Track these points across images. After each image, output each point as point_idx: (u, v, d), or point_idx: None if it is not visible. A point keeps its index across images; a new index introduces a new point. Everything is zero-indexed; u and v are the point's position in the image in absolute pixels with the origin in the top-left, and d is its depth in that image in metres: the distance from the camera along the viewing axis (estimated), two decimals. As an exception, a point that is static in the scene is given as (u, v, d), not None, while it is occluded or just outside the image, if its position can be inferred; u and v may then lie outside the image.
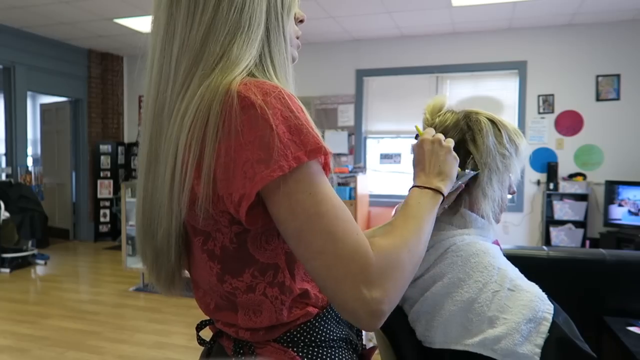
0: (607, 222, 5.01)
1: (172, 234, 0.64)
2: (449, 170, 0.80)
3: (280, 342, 0.65)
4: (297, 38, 0.75)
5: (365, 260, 0.55)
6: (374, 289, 0.55)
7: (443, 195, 0.76)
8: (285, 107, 0.58)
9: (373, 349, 0.78)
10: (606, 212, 5.03)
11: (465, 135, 0.98)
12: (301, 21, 0.75)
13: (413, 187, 0.77)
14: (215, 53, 0.62)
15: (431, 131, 0.87)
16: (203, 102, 0.59)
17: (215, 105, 0.58)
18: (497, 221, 1.00)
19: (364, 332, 0.82)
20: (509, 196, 1.04)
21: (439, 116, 1.02)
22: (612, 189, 5.01)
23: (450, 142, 0.84)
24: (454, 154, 0.83)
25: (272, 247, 0.63)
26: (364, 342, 0.79)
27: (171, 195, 0.61)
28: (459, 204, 0.97)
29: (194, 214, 0.61)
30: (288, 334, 0.65)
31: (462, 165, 0.97)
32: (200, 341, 0.78)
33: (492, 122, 0.99)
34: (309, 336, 0.66)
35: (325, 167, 0.60)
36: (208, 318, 0.77)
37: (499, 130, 0.99)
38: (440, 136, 0.84)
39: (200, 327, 0.78)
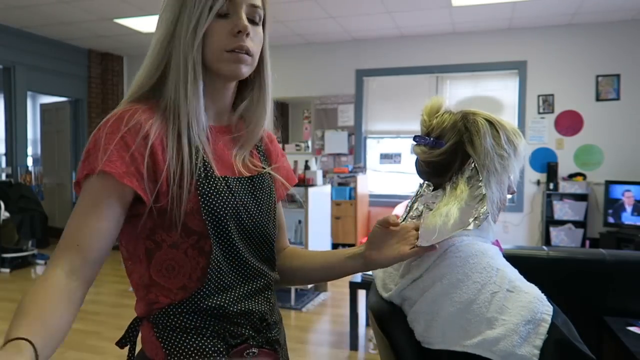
0: (606, 222, 5.01)
1: None
2: None
3: (150, 321, 0.79)
4: (237, 50, 0.77)
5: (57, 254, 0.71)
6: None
7: None
8: (100, 129, 0.75)
9: (245, 347, 0.80)
10: (606, 212, 5.03)
11: (463, 136, 0.98)
12: (239, 32, 0.77)
13: None
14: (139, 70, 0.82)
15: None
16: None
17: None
18: (494, 221, 1.00)
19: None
20: (509, 196, 1.04)
21: (436, 117, 1.02)
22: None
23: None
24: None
25: (135, 241, 0.81)
26: (275, 345, 0.85)
27: None
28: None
29: None
30: (152, 316, 0.78)
31: (461, 168, 0.97)
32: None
33: (490, 122, 0.99)
34: (164, 320, 0.77)
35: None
36: None
37: (497, 131, 0.98)
38: None
39: None
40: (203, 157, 0.78)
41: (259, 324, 0.83)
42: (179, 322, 0.77)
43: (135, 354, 0.82)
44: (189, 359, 0.76)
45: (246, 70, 0.81)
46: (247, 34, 0.78)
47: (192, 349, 0.76)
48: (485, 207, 0.87)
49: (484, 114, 1.01)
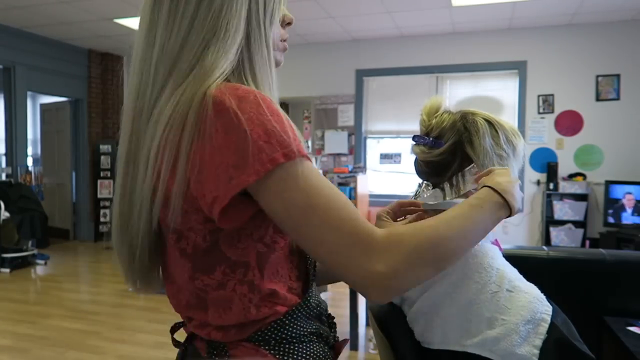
0: (606, 222, 5.01)
1: (147, 233, 0.66)
2: (518, 197, 0.76)
3: (252, 341, 0.66)
4: (284, 41, 0.75)
5: (366, 242, 0.58)
6: (379, 263, 0.58)
7: (511, 212, 0.72)
8: (259, 111, 0.58)
9: (344, 341, 0.78)
10: (606, 212, 5.03)
11: (462, 136, 0.98)
12: (289, 24, 0.76)
13: (486, 186, 0.74)
14: (189, 60, 0.63)
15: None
16: (177, 109, 0.60)
17: (191, 113, 0.59)
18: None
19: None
20: None
21: (435, 117, 1.02)
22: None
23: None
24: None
25: (244, 245, 0.64)
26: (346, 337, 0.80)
27: (148, 195, 0.63)
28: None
29: (167, 212, 0.63)
30: (259, 333, 0.66)
31: (461, 168, 0.97)
32: (175, 343, 0.78)
33: (489, 122, 0.99)
34: (279, 334, 0.67)
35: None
36: (182, 320, 0.77)
37: (496, 131, 0.99)
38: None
39: (174, 329, 0.79)
40: None
41: (329, 318, 0.80)
42: (294, 331, 0.68)
43: None
44: None
45: None
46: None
47: (310, 356, 0.68)
48: None
49: (483, 114, 1.01)
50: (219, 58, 0.63)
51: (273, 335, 0.66)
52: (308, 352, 0.68)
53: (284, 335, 0.67)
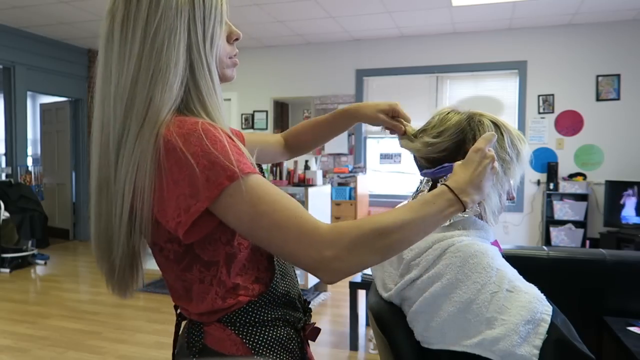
0: (607, 222, 5.01)
1: (126, 256, 0.77)
2: (486, 185, 0.82)
3: (222, 322, 0.79)
4: (234, 56, 0.84)
5: (311, 235, 0.68)
6: (325, 250, 0.68)
7: (464, 208, 0.79)
8: (202, 145, 0.68)
9: (315, 329, 0.87)
10: (606, 212, 5.03)
11: (467, 135, 0.98)
12: (236, 39, 0.83)
13: (444, 184, 0.80)
14: (143, 99, 0.72)
15: (493, 139, 0.85)
16: (139, 152, 0.70)
17: (151, 154, 0.70)
18: (495, 222, 1.01)
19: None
20: (507, 202, 1.04)
21: (440, 114, 1.03)
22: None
23: (497, 166, 0.85)
24: (496, 169, 0.84)
25: (214, 248, 0.76)
26: (311, 322, 0.89)
27: (126, 224, 0.73)
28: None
29: (147, 233, 0.75)
30: (226, 317, 0.78)
31: None
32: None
33: (496, 124, 1.00)
34: (243, 318, 0.78)
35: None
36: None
37: (502, 133, 0.99)
38: (483, 145, 0.83)
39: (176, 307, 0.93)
40: None
41: (304, 305, 0.89)
42: (257, 316, 0.79)
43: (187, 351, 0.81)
44: (271, 349, 0.79)
45: None
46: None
47: (272, 339, 0.79)
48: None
49: (490, 116, 1.01)
50: (164, 95, 0.72)
51: (239, 319, 0.78)
52: (271, 335, 0.79)
53: (249, 320, 0.79)
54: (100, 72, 0.76)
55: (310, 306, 0.91)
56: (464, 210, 0.78)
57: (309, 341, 0.88)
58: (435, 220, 0.76)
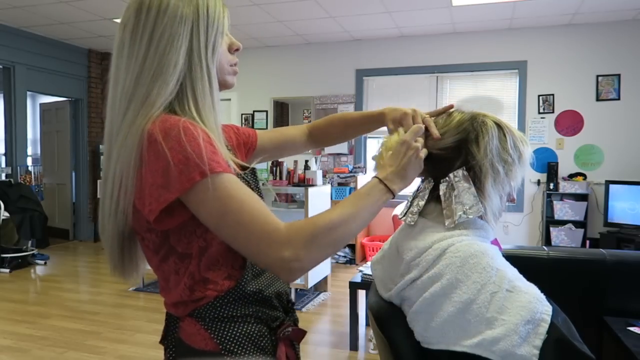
0: (607, 222, 5.00)
1: (115, 237, 0.84)
2: (411, 174, 0.92)
3: (193, 317, 0.83)
4: (234, 65, 0.92)
5: (272, 235, 0.74)
6: (284, 251, 0.73)
7: (393, 195, 0.89)
8: (179, 141, 0.73)
9: (299, 330, 0.90)
10: (606, 212, 5.03)
11: (469, 135, 0.98)
12: (237, 50, 0.91)
13: (375, 177, 0.91)
14: (142, 96, 0.79)
15: (420, 131, 0.94)
16: (128, 140, 0.77)
17: (136, 145, 0.76)
18: (495, 223, 1.00)
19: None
20: (507, 204, 1.04)
21: (444, 114, 1.04)
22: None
23: (422, 150, 0.93)
24: (421, 158, 0.93)
25: (188, 240, 0.81)
26: (297, 323, 0.94)
27: (113, 208, 0.80)
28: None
29: (128, 220, 0.82)
30: (196, 311, 0.82)
31: (462, 167, 0.97)
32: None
33: (499, 126, 1.00)
34: (212, 313, 0.82)
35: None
36: None
37: (504, 135, 0.99)
38: (408, 137, 0.93)
39: None
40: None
41: (286, 305, 0.92)
42: (226, 312, 0.82)
43: (171, 348, 0.87)
44: (240, 345, 0.82)
45: None
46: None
47: (241, 335, 0.82)
48: (459, 214, 0.94)
49: (494, 117, 1.01)
50: (160, 90, 0.79)
51: (208, 314, 0.82)
52: (239, 331, 0.82)
53: (217, 315, 0.82)
54: (112, 75, 0.84)
55: (294, 307, 0.94)
56: (393, 198, 0.87)
57: (300, 343, 0.92)
58: (373, 210, 0.85)
